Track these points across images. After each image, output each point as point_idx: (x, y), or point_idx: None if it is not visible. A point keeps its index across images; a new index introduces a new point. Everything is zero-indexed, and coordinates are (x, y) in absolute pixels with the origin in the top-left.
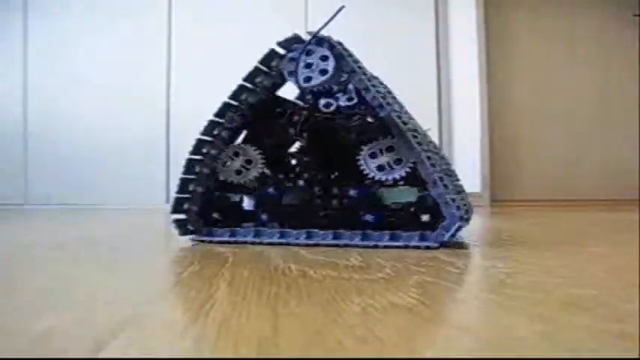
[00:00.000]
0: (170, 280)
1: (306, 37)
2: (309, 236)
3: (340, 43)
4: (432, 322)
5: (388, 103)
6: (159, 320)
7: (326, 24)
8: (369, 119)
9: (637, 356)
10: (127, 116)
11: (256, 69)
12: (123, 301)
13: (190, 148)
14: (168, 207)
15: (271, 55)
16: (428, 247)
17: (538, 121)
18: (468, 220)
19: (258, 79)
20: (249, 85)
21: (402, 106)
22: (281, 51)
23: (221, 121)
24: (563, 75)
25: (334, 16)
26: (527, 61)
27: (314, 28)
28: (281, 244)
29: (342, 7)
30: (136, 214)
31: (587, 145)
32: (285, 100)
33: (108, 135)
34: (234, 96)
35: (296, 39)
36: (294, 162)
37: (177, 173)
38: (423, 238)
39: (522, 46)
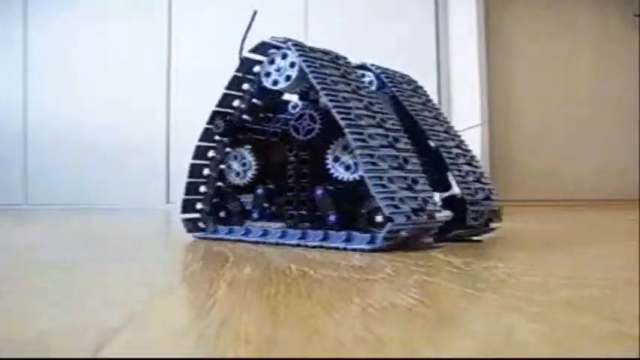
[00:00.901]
0: (171, 279)
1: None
2: (283, 235)
3: (302, 48)
4: (431, 322)
5: (337, 105)
6: (159, 320)
7: (246, 32)
8: (319, 120)
9: (637, 356)
10: (127, 116)
11: (235, 77)
12: (123, 301)
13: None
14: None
15: (246, 62)
16: (363, 250)
17: (538, 121)
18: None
19: (244, 86)
20: (234, 92)
21: (373, 104)
22: (256, 57)
23: (211, 127)
24: (562, 75)
25: (250, 22)
26: (526, 62)
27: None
28: (262, 242)
29: (255, 11)
30: (136, 214)
31: (588, 145)
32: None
33: (108, 134)
34: (220, 104)
35: (265, 44)
36: (277, 164)
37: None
38: (373, 240)
39: (522, 46)
